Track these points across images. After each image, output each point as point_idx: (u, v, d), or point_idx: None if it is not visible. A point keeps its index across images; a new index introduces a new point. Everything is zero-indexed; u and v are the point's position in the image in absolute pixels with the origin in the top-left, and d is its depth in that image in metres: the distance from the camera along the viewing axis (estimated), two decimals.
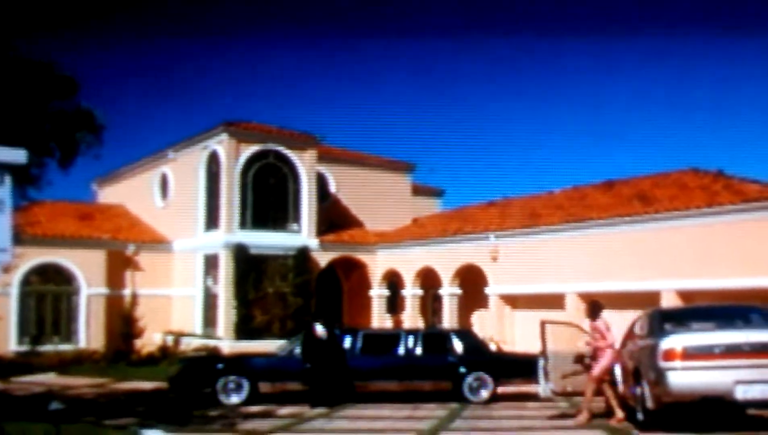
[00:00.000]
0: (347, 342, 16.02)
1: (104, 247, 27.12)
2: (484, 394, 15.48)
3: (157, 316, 27.07)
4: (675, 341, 10.08)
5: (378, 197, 31.24)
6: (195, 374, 16.10)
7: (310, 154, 28.02)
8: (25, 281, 25.36)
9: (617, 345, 12.47)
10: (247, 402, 15.13)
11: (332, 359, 15.27)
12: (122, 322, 26.33)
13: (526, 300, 23.97)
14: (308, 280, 27.10)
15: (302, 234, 27.58)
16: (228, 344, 24.75)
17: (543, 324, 13.13)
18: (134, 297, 27.17)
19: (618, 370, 12.34)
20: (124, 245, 27.77)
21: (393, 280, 29.72)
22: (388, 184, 32.20)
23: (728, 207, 18.52)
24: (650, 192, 22.13)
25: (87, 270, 26.34)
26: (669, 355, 9.96)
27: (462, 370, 15.65)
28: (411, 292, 28.47)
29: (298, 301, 26.30)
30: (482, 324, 25.53)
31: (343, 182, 31.61)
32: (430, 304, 29.05)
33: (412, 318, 28.36)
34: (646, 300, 17.56)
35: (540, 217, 24.51)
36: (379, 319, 29.51)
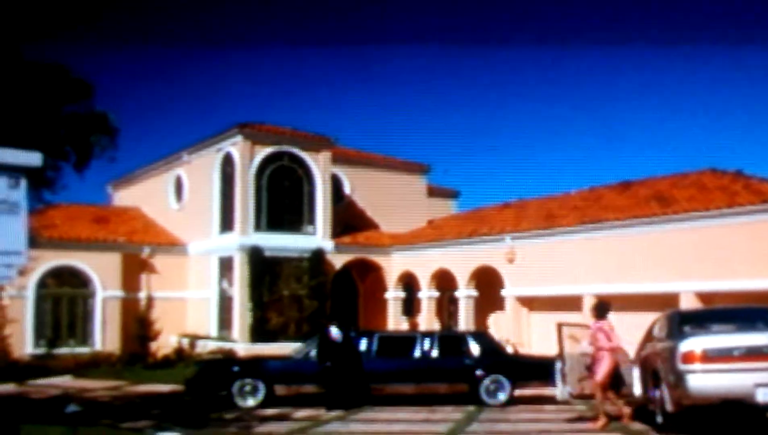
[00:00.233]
0: (363, 344, 15.98)
1: (119, 250, 27.22)
2: (501, 396, 15.39)
3: (173, 318, 27.12)
4: (694, 343, 10.00)
5: (393, 199, 31.21)
6: (211, 377, 16.09)
7: (325, 156, 28.01)
8: (41, 284, 25.47)
9: (628, 347, 12.40)
10: (263, 405, 15.10)
11: (348, 362, 15.22)
12: (138, 324, 26.39)
13: (542, 302, 23.86)
14: (323, 282, 27.09)
15: (317, 236, 27.56)
16: (243, 347, 24.76)
17: (560, 326, 13.05)
18: (150, 300, 27.24)
19: (635, 373, 12.26)
20: (140, 248, 27.86)
21: (408, 282, 29.66)
22: (403, 185, 32.16)
23: (748, 207, 18.36)
24: (668, 193, 22.00)
25: (102, 273, 26.43)
26: (688, 358, 9.88)
27: (479, 372, 15.56)
28: (427, 294, 28.41)
29: (313, 303, 26.28)
30: (498, 326, 25.45)
31: (358, 184, 31.60)
32: (446, 306, 28.99)
33: (427, 320, 28.32)
34: (664, 302, 17.41)
35: (556, 219, 24.41)
36: (395, 322, 29.46)
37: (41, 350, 24.79)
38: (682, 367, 9.89)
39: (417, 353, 15.94)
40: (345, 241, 28.85)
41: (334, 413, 14.15)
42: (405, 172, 32.88)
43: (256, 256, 26.06)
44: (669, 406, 10.38)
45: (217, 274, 27.54)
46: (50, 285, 25.76)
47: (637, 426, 11.66)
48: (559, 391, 12.90)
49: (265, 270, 26.13)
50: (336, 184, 29.91)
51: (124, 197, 35.15)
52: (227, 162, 27.28)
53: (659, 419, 10.77)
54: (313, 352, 15.66)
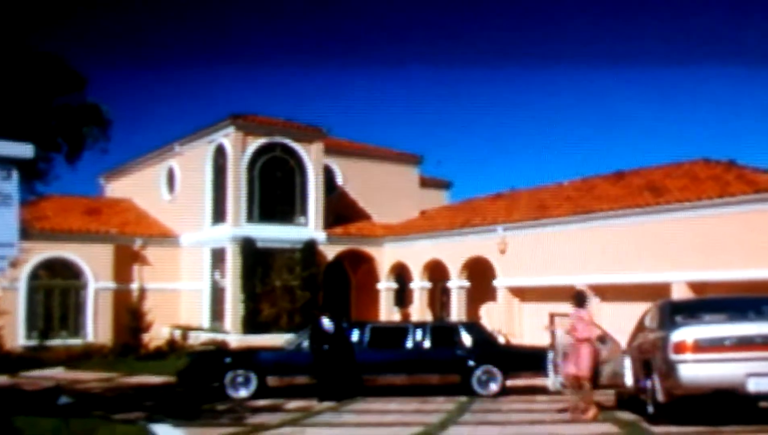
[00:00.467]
0: (355, 336, 16.03)
1: (112, 242, 27.21)
2: (493, 387, 15.46)
3: (165, 310, 27.11)
4: (686, 333, 10.01)
5: (385, 190, 31.28)
6: (203, 368, 16.13)
7: (317, 147, 27.99)
8: (33, 276, 25.46)
9: (620, 337, 12.41)
10: (255, 396, 15.14)
11: (340, 353, 15.24)
12: (130, 316, 26.38)
13: (534, 292, 23.90)
14: (315, 273, 27.11)
15: (309, 227, 27.57)
16: (236, 338, 24.79)
17: (552, 317, 13.06)
18: (142, 291, 27.23)
19: (626, 363, 12.27)
20: (132, 239, 27.85)
21: (401, 273, 29.70)
22: (396, 176, 32.22)
23: (740, 197, 18.42)
24: (661, 182, 22.06)
25: (94, 264, 26.41)
26: (680, 348, 9.89)
27: (471, 363, 15.62)
28: (419, 284, 28.45)
29: (305, 294, 26.29)
30: (490, 317, 25.51)
31: (351, 175, 31.59)
32: (439, 297, 29.05)
33: (420, 311, 28.37)
34: (656, 292, 17.45)
35: (548, 209, 24.47)
36: (387, 313, 29.51)
37: (33, 342, 24.79)
38: (673, 356, 9.90)
39: (409, 344, 15.99)
40: (337, 232, 28.87)
41: (326, 404, 14.16)
42: (397, 163, 32.93)
43: (248, 247, 26.05)
44: (660, 396, 10.37)
45: (209, 266, 27.54)
46: (42, 277, 25.75)
47: (629, 416, 11.68)
48: (550, 381, 12.95)
49: (257, 261, 26.14)
50: (328, 174, 29.91)
51: (116, 189, 35.09)
52: (219, 153, 27.25)
53: (650, 409, 10.76)
54: (305, 343, 15.70)
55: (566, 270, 21.99)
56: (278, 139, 27.19)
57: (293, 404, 14.34)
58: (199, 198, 28.01)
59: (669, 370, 10.02)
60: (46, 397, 13.47)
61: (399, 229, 30.26)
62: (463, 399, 14.81)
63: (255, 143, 26.71)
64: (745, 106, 59.86)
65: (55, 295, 26.07)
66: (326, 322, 15.46)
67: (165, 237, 28.90)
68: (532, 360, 14.97)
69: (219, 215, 27.18)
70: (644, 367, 11.13)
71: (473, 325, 18.21)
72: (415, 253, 28.52)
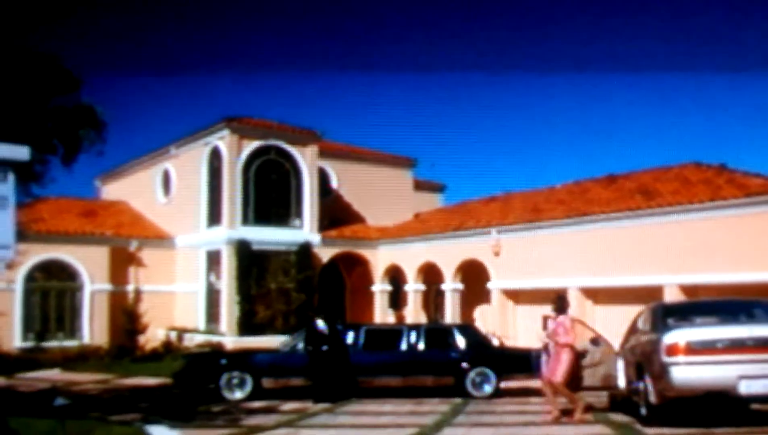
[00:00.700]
0: (350, 337, 16.09)
1: (107, 244, 27.23)
2: (487, 389, 15.53)
3: (161, 312, 27.12)
4: (678, 336, 10.01)
5: (380, 192, 31.32)
6: (198, 370, 16.15)
7: (312, 150, 28.05)
8: (29, 278, 25.48)
9: (613, 340, 12.45)
10: (251, 397, 15.20)
11: (335, 355, 15.29)
12: (126, 318, 26.39)
13: (528, 295, 23.97)
14: (310, 275, 27.16)
15: (304, 229, 27.63)
16: (231, 340, 24.82)
17: (545, 319, 13.12)
18: (137, 293, 27.25)
19: (619, 365, 12.33)
20: (127, 241, 27.87)
21: (395, 276, 29.76)
22: (390, 179, 32.26)
23: (731, 201, 18.52)
24: (652, 186, 22.15)
25: (90, 266, 26.44)
26: (672, 350, 9.90)
27: (465, 365, 15.69)
28: (413, 287, 28.51)
29: (300, 296, 26.35)
30: (484, 319, 25.56)
31: (345, 178, 31.66)
32: (433, 299, 29.09)
33: (414, 313, 28.39)
34: (648, 294, 17.52)
35: (542, 212, 24.53)
36: (382, 315, 29.56)
37: (29, 343, 24.82)
38: (666, 359, 9.91)
39: (404, 346, 16.05)
40: (332, 234, 28.92)
41: (321, 406, 14.21)
42: (392, 166, 33.00)
43: (243, 249, 26.10)
44: (653, 398, 10.39)
45: (204, 268, 27.56)
46: (38, 278, 25.78)
47: (621, 417, 11.72)
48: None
49: (252, 263, 26.18)
50: (323, 177, 29.97)
51: (111, 191, 35.09)
52: (215, 156, 27.29)
53: (643, 411, 10.78)
54: (300, 345, 15.75)
55: (559, 272, 22.07)
56: (273, 142, 27.25)
57: (288, 406, 14.37)
58: (194, 200, 28.02)
59: (661, 372, 10.03)
60: (43, 399, 13.53)
61: (393, 231, 30.33)
62: (458, 401, 14.86)
63: (250, 146, 26.75)
64: (736, 111, 59.97)
65: (51, 296, 26.08)
66: (320, 324, 15.52)
67: (160, 239, 28.92)
68: (525, 362, 15.01)
69: (214, 217, 27.22)
70: (637, 369, 11.15)
71: (467, 328, 18.22)
72: (410, 256, 28.58)
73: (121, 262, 27.36)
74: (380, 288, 29.89)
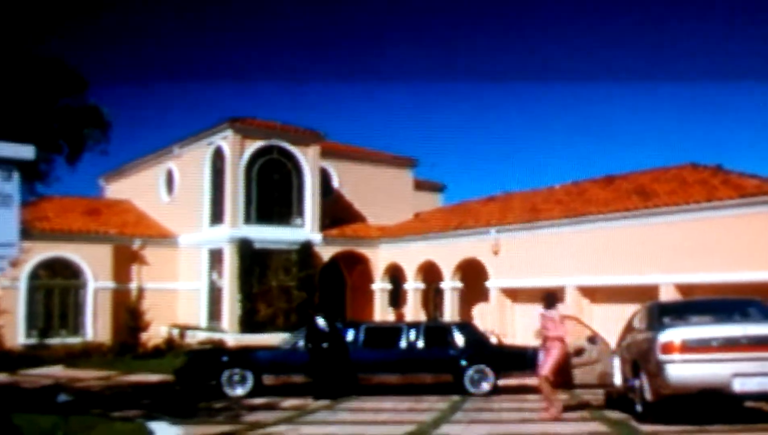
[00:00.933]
0: (350, 335, 16.19)
1: (111, 242, 27.39)
2: (485, 386, 15.63)
3: (163, 309, 27.29)
4: (673, 334, 10.10)
5: (380, 192, 31.48)
6: (200, 367, 16.27)
7: (314, 150, 28.19)
8: (34, 275, 25.65)
9: (609, 338, 12.50)
10: (252, 394, 15.33)
11: (335, 352, 15.41)
12: (129, 315, 26.49)
13: (526, 293, 24.06)
14: (312, 274, 27.30)
15: (306, 229, 27.77)
16: (232, 337, 24.97)
17: (543, 317, 13.21)
18: (140, 291, 27.38)
19: (615, 363, 12.44)
20: (131, 240, 28.03)
21: (395, 274, 29.88)
22: (391, 179, 32.41)
23: (727, 201, 18.65)
24: (649, 187, 22.27)
25: (94, 264, 26.60)
26: (667, 348, 9.98)
27: (463, 363, 15.80)
28: (413, 285, 28.64)
29: (301, 294, 26.49)
30: (483, 317, 25.68)
31: (346, 177, 31.80)
32: (432, 297, 29.23)
33: (414, 311, 28.54)
34: (645, 293, 17.67)
35: (540, 212, 24.66)
36: (382, 313, 29.70)
37: (33, 340, 25.00)
38: (661, 357, 9.99)
39: (403, 344, 16.16)
40: (333, 233, 29.06)
41: (321, 402, 14.31)
42: (392, 166, 33.13)
43: (245, 248, 26.24)
44: (648, 395, 10.46)
45: (207, 266, 27.71)
46: (42, 276, 25.93)
47: (617, 415, 11.79)
48: None
49: (254, 262, 26.33)
50: (324, 177, 30.10)
51: (115, 190, 35.23)
52: (217, 155, 27.43)
53: (639, 408, 10.85)
54: (301, 343, 15.87)
55: (557, 272, 22.21)
56: (275, 142, 27.39)
57: (289, 402, 14.48)
58: (197, 199, 28.18)
59: (657, 370, 10.10)
60: (46, 395, 13.58)
61: (393, 230, 30.45)
62: (456, 398, 14.96)
63: (252, 146, 26.90)
64: (731, 113, 60.09)
65: (54, 294, 26.26)
66: (321, 322, 15.63)
67: (163, 237, 29.08)
68: (523, 360, 15.09)
69: (217, 216, 27.36)
70: (633, 367, 11.21)
71: (466, 326, 18.27)
72: (410, 255, 28.71)
73: (125, 260, 27.52)
74: (380, 286, 30.02)
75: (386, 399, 14.82)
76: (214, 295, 27.22)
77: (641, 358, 10.85)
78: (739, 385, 9.75)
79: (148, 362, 22.56)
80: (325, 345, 15.35)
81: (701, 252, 18.61)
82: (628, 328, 12.44)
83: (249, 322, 25.77)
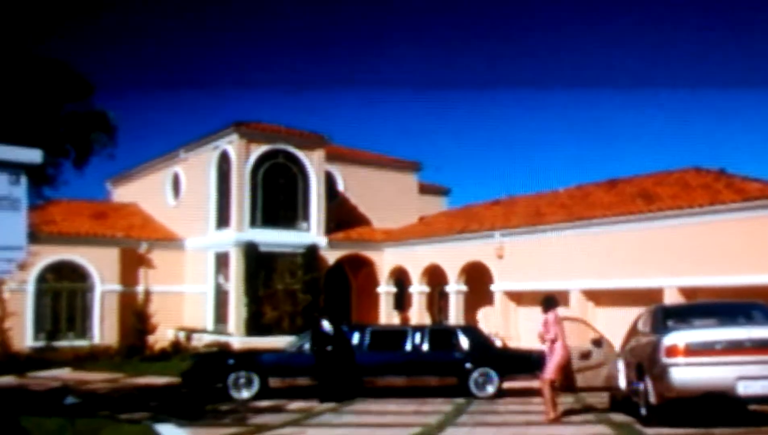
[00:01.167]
0: (355, 338, 16.25)
1: (118, 245, 27.50)
2: (490, 389, 15.68)
3: (170, 312, 27.38)
4: (678, 337, 10.08)
5: (385, 196, 31.53)
6: (207, 370, 16.35)
7: (319, 154, 28.26)
8: (41, 278, 25.77)
9: (614, 341, 12.51)
10: (258, 397, 15.39)
11: (340, 355, 15.47)
12: (135, 318, 26.63)
13: (530, 297, 23.97)
14: (317, 277, 27.35)
15: (311, 232, 27.83)
16: (239, 340, 25.01)
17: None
18: (147, 294, 27.47)
19: (620, 366, 12.48)
20: (137, 243, 28.14)
21: (400, 278, 29.91)
22: (395, 183, 32.46)
23: (730, 205, 18.62)
24: (653, 190, 22.27)
25: (101, 267, 26.71)
26: (672, 351, 9.97)
27: (468, 365, 15.85)
28: (418, 289, 28.68)
29: (307, 297, 26.55)
30: (488, 320, 25.69)
31: (351, 181, 31.86)
32: (437, 300, 29.25)
33: (418, 314, 28.57)
34: (648, 297, 17.65)
35: (544, 216, 24.65)
36: (387, 316, 29.70)
37: (41, 343, 25.10)
38: (665, 360, 9.98)
39: (408, 347, 16.22)
40: (338, 237, 29.11)
41: (326, 405, 14.35)
42: (397, 170, 33.18)
43: (251, 251, 26.31)
44: (652, 399, 10.44)
45: (213, 269, 27.79)
46: (50, 279, 26.06)
47: (622, 417, 11.80)
48: None
49: (260, 265, 26.40)
50: (330, 181, 30.17)
51: (122, 194, 35.36)
52: (223, 159, 27.52)
53: (643, 411, 10.84)
54: (307, 346, 15.92)
55: (561, 275, 22.21)
56: (281, 146, 27.47)
57: (295, 405, 14.53)
58: (203, 203, 28.26)
59: (661, 373, 10.08)
60: (53, 397, 13.69)
61: (398, 234, 30.50)
62: (461, 401, 14.99)
63: (258, 150, 26.98)
64: (735, 117, 60.08)
65: (62, 297, 26.38)
66: (326, 325, 15.69)
67: (170, 241, 29.18)
68: (528, 363, 15.17)
69: (223, 220, 27.45)
70: (637, 370, 11.18)
71: (471, 329, 18.34)
72: (414, 258, 28.75)
73: (131, 264, 27.62)
74: (385, 289, 30.06)
75: (391, 402, 14.84)
76: (220, 298, 27.30)
77: (645, 362, 10.83)
78: (743, 388, 9.73)
79: (154, 365, 22.66)
80: (330, 348, 15.41)
81: (705, 255, 18.61)
82: (633, 332, 12.41)
83: (255, 325, 25.84)
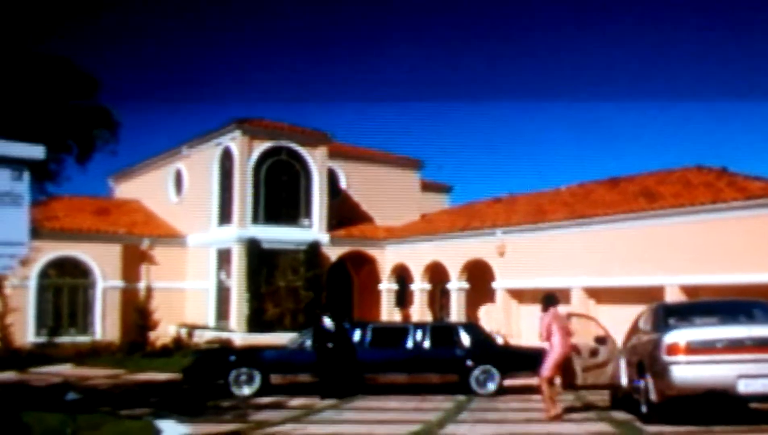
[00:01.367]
0: (357, 335, 16.24)
1: (120, 241, 27.53)
2: (491, 386, 15.69)
3: (172, 308, 27.39)
4: (678, 336, 10.08)
5: (387, 193, 31.47)
6: (208, 366, 16.34)
7: (321, 151, 28.27)
8: (43, 274, 25.80)
9: (616, 338, 12.48)
10: (259, 393, 15.37)
11: (342, 352, 15.48)
12: (137, 314, 26.56)
13: (532, 294, 23.96)
14: (319, 274, 27.37)
15: (313, 229, 27.85)
16: (240, 337, 25.05)
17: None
18: (149, 290, 27.41)
19: (621, 364, 12.47)
20: (140, 239, 28.17)
21: (402, 275, 29.93)
22: (398, 180, 32.42)
23: (732, 203, 18.65)
24: (655, 189, 22.25)
25: (103, 263, 26.74)
26: (672, 350, 9.96)
27: (469, 363, 15.86)
28: (419, 286, 28.69)
29: (309, 294, 26.57)
30: (489, 318, 25.74)
31: (354, 178, 31.88)
32: (438, 298, 29.24)
33: (420, 312, 28.59)
34: (650, 295, 17.63)
35: (546, 214, 24.67)
36: (388, 313, 29.73)
37: (42, 339, 25.10)
38: (666, 358, 9.98)
39: (409, 344, 16.21)
40: (340, 234, 29.13)
41: (328, 402, 14.34)
42: (399, 167, 33.15)
43: (253, 248, 26.33)
44: (653, 396, 10.43)
45: (215, 266, 27.82)
46: (52, 275, 26.08)
47: (623, 415, 11.80)
48: None
49: (262, 262, 26.42)
50: (332, 178, 30.19)
51: (125, 190, 35.36)
52: (226, 156, 27.53)
53: (644, 409, 10.81)
54: (308, 342, 15.93)
55: (563, 273, 22.24)
56: (283, 143, 27.49)
57: (296, 402, 14.51)
58: (205, 200, 28.29)
59: (662, 371, 10.07)
60: (55, 393, 13.64)
61: (400, 231, 30.51)
62: (462, 398, 15.01)
63: (261, 147, 27.01)
64: (737, 116, 59.95)
65: (64, 293, 26.42)
66: (328, 322, 15.71)
67: (172, 237, 29.20)
68: (529, 360, 15.05)
69: (225, 217, 27.47)
70: (638, 368, 11.17)
71: (472, 326, 18.37)
72: (416, 255, 28.77)
73: (133, 260, 27.66)
74: (387, 287, 30.08)
75: (392, 398, 14.84)
76: (222, 294, 27.32)
77: (646, 359, 10.81)
78: (743, 387, 9.73)
79: (156, 361, 22.60)
80: (331, 345, 15.43)
81: (706, 254, 18.61)
82: (634, 329, 12.39)
83: (257, 322, 25.86)
